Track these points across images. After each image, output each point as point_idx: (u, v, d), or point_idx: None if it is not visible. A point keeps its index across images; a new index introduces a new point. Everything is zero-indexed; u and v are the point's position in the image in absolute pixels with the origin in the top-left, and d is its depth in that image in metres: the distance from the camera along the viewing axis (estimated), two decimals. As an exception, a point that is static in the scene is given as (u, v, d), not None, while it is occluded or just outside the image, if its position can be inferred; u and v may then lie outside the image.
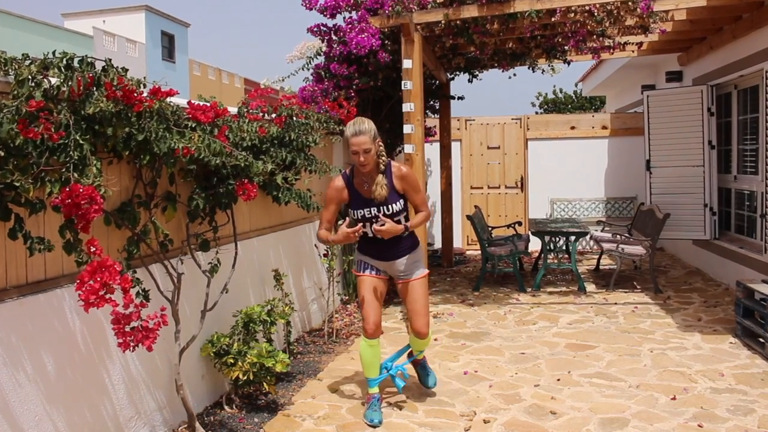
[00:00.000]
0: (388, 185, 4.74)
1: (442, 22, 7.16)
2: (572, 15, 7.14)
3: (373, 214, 4.77)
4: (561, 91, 32.66)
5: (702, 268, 9.97)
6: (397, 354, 5.34)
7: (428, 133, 10.22)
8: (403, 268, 4.96)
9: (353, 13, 7.81)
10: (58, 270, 3.58)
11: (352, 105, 7.33)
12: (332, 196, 4.87)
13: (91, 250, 3.13)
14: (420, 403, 5.08)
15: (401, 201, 4.81)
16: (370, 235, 4.84)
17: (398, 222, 4.80)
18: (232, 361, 4.80)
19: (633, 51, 9.91)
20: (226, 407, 4.96)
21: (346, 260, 7.97)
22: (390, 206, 4.76)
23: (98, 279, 3.03)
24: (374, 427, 4.71)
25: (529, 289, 8.99)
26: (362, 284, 4.97)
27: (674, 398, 5.00)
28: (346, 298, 8.18)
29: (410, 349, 5.28)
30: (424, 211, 4.92)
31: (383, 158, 4.77)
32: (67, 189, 2.99)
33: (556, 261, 9.89)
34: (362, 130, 4.61)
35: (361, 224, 4.78)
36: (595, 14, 7.12)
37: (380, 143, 4.75)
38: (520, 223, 10.83)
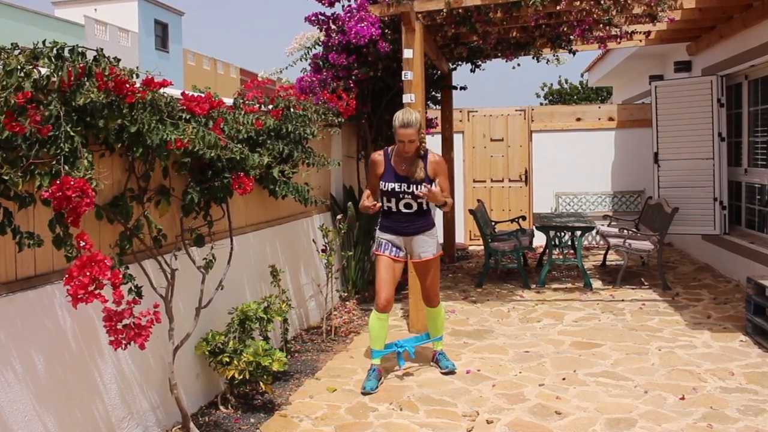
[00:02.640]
0: (425, 168, 5.38)
1: (444, 10, 7.13)
2: (578, 3, 7.12)
3: (401, 189, 5.39)
4: (566, 82, 32.65)
5: (711, 264, 9.97)
6: (414, 339, 6.03)
7: (429, 124, 10.18)
8: (421, 245, 5.55)
9: (352, 1, 7.79)
10: (48, 266, 3.58)
11: (351, 97, 7.31)
12: (373, 166, 5.59)
13: (81, 245, 3.12)
14: (421, 402, 5.08)
15: (433, 184, 5.36)
16: (394, 209, 5.49)
17: (420, 204, 5.46)
18: (227, 359, 4.80)
19: (640, 40, 9.87)
20: (221, 407, 4.96)
21: (345, 256, 7.96)
22: (420, 186, 5.35)
23: (87, 274, 3.02)
24: (365, 394, 5.25)
25: (534, 286, 8.99)
26: (380, 262, 5.54)
27: (683, 398, 5.00)
28: (345, 295, 8.18)
29: (428, 340, 5.93)
30: (450, 198, 5.57)
31: (424, 144, 5.46)
32: (58, 181, 2.99)
33: (561, 256, 9.87)
34: (410, 122, 5.23)
35: (379, 202, 5.43)
36: (602, 2, 7.09)
37: (423, 132, 5.46)
38: (524, 218, 10.82)
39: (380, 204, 5.45)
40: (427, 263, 5.61)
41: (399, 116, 5.27)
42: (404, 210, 5.46)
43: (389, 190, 5.44)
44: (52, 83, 3.22)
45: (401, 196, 5.41)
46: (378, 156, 5.55)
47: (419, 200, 5.42)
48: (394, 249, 5.54)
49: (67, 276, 3.04)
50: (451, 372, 5.69)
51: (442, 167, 5.49)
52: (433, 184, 5.35)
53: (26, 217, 3.37)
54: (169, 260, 4.34)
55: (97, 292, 3.05)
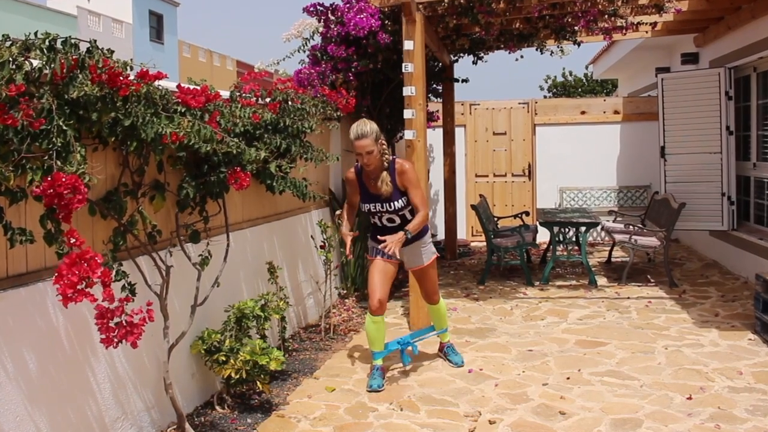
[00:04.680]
0: (392, 182, 5.34)
1: (445, 0, 7.13)
2: (583, -7, 7.11)
3: (377, 209, 5.42)
4: (571, 74, 32.66)
5: (719, 261, 9.97)
6: (417, 333, 6.10)
7: (430, 118, 10.18)
8: (412, 255, 5.62)
9: (351, -9, 7.78)
10: (40, 263, 3.58)
11: (351, 93, 7.30)
12: (348, 185, 5.65)
13: (71, 242, 3.12)
14: (422, 402, 5.09)
15: (404, 198, 5.39)
16: (379, 224, 5.53)
17: (402, 216, 5.42)
18: (223, 358, 4.80)
19: (646, 32, 9.85)
20: (217, 407, 4.96)
21: (344, 252, 7.95)
22: (393, 203, 5.36)
23: (77, 272, 3.01)
24: (373, 391, 5.29)
25: (537, 283, 8.99)
26: (373, 266, 5.59)
27: (690, 398, 5.00)
28: (344, 292, 8.18)
29: (434, 332, 6.04)
30: (423, 211, 5.39)
31: (387, 156, 5.37)
32: (49, 178, 2.98)
33: (565, 253, 9.88)
34: (364, 133, 5.19)
35: (350, 245, 5.54)
36: (607, -8, 7.09)
37: (383, 142, 5.34)
38: (527, 213, 10.83)
39: (350, 251, 5.61)
40: (422, 270, 5.70)
41: (353, 128, 5.26)
42: (388, 225, 5.49)
43: (367, 210, 5.50)
44: (44, 76, 3.21)
45: (380, 213, 5.44)
46: (351, 174, 5.56)
47: (400, 213, 5.42)
48: (386, 254, 5.51)
49: (56, 274, 3.04)
50: (459, 367, 5.84)
51: (408, 175, 5.38)
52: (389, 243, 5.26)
53: (18, 213, 3.37)
54: (164, 257, 4.34)
55: (87, 290, 3.05)
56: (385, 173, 5.33)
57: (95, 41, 3.47)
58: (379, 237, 5.37)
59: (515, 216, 10.58)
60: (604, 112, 12.66)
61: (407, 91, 6.94)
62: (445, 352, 6.02)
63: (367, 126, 5.25)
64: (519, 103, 12.82)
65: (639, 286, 8.75)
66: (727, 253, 9.58)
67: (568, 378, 5.50)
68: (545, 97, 31.30)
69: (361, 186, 5.49)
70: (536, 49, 9.70)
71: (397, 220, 5.45)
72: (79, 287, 3.01)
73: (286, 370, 5.73)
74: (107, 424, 4.00)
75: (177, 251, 4.58)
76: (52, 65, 3.20)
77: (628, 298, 8.13)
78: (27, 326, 3.45)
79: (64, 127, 3.17)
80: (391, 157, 5.42)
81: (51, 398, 3.58)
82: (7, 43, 3.12)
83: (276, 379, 5.56)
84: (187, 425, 4.38)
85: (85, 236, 3.22)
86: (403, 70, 6.97)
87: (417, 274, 5.78)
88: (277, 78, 6.41)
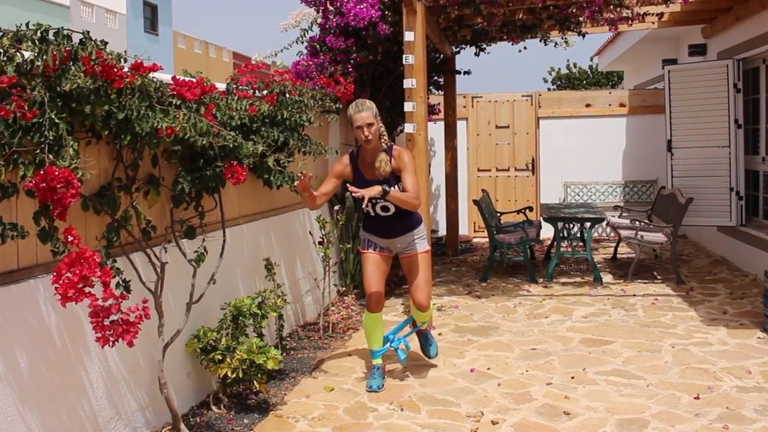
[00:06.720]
0: (390, 163, 5.30)
1: (447, -10, 7.11)
2: (588, -17, 7.10)
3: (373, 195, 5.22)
4: (575, 66, 32.62)
5: (728, 257, 9.97)
6: (399, 326, 5.86)
7: (432, 111, 10.17)
8: (404, 245, 5.57)
9: (351, -20, 7.76)
10: (32, 259, 3.57)
11: (350, 81, 7.29)
12: (335, 171, 5.49)
13: (69, 240, 3.11)
14: (423, 402, 5.09)
15: (401, 184, 5.33)
16: (372, 213, 5.47)
17: (397, 204, 5.32)
18: (219, 357, 4.80)
19: (653, 22, 9.84)
20: (213, 407, 4.96)
21: (344, 249, 7.96)
22: (390, 188, 5.21)
23: (77, 272, 3.01)
24: (373, 392, 5.31)
25: (541, 280, 8.99)
26: (366, 260, 5.60)
27: (698, 398, 5.01)
28: (343, 289, 8.18)
29: (413, 321, 5.85)
30: (413, 194, 5.25)
31: (385, 138, 5.36)
32: (42, 172, 2.98)
33: (569, 249, 9.88)
34: (364, 107, 5.24)
35: (311, 174, 5.09)
36: (613, -18, 7.08)
37: (381, 125, 5.35)
38: (531, 209, 10.79)
39: (310, 179, 5.00)
40: (411, 258, 5.57)
41: (352, 106, 5.29)
42: (382, 213, 5.44)
43: (361, 198, 5.33)
44: (36, 68, 3.21)
45: (375, 200, 5.34)
46: (345, 159, 5.49)
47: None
48: (379, 246, 5.57)
49: (55, 274, 3.03)
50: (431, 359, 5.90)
51: (405, 159, 5.33)
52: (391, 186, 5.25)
53: (9, 208, 3.36)
54: (159, 253, 4.33)
55: (87, 290, 3.04)
56: (383, 154, 5.28)
57: (88, 32, 3.47)
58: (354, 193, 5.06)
59: (518, 211, 10.55)
60: (610, 105, 12.65)
61: (408, 83, 6.93)
62: (420, 340, 5.90)
63: (366, 102, 5.30)
64: (522, 96, 12.80)
65: (645, 283, 8.75)
66: (736, 249, 9.58)
67: (572, 377, 5.51)
68: (549, 89, 31.28)
69: (356, 172, 5.42)
70: (540, 41, 9.71)
71: (392, 209, 5.39)
72: (79, 287, 3.02)
73: (283, 369, 5.73)
74: (100, 425, 4.00)
75: (172, 247, 4.57)
76: (44, 57, 3.20)
77: (634, 295, 8.13)
78: (18, 324, 3.44)
79: (57, 121, 3.16)
80: (389, 143, 5.40)
81: (43, 398, 3.58)
82: (-2, 34, 3.12)
83: (273, 378, 5.56)
84: (182, 425, 4.38)
85: (79, 233, 3.22)
86: (404, 62, 6.95)
87: (407, 263, 5.59)
88: (274, 70, 6.40)
